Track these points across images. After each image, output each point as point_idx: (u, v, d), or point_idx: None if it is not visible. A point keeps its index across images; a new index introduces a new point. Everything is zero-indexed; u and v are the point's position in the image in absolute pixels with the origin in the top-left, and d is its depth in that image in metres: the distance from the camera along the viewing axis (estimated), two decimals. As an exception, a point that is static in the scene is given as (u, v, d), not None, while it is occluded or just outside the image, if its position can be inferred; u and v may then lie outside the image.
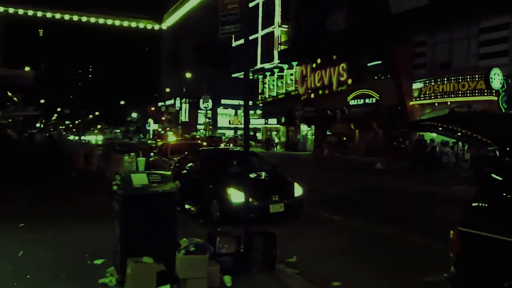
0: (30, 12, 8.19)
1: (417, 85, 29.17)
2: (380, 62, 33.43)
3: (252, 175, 10.45)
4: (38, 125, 76.47)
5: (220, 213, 9.68)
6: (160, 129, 77.60)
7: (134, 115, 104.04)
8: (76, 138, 63.44)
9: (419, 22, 27.92)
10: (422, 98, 28.65)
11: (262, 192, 9.83)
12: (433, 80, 27.88)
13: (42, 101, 76.43)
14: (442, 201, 13.59)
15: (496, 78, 23.08)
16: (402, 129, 29.42)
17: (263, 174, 11.04)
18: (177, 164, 13.28)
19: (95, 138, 65.34)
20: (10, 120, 47.98)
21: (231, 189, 9.55)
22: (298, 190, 10.48)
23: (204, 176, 10.91)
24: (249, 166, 10.97)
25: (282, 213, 9.76)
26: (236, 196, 9.29)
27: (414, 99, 29.30)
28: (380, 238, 8.79)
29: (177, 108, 76.47)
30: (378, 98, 32.95)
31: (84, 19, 8.75)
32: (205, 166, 11.41)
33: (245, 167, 10.28)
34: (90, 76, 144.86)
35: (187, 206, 11.20)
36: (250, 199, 9.14)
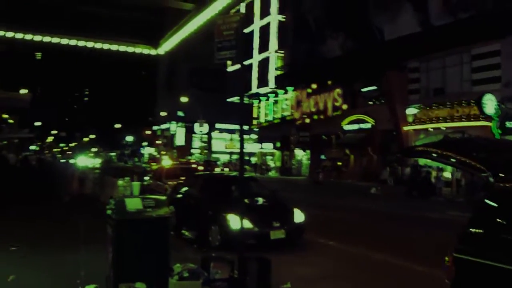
0: (28, 36, 8.25)
1: (411, 111, 29.40)
2: (374, 87, 33.74)
3: (252, 201, 10.45)
4: (33, 147, 76.22)
5: (220, 239, 9.51)
6: (155, 153, 77.46)
7: (129, 138, 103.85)
8: (71, 160, 63.06)
9: (412, 48, 28.35)
10: (416, 124, 28.85)
11: (263, 218, 9.77)
12: (427, 106, 28.13)
13: (37, 123, 76.35)
14: (437, 227, 13.56)
15: (489, 104, 23.21)
16: (397, 154, 29.57)
17: (263, 199, 10.91)
18: (174, 189, 13.10)
19: (91, 161, 64.77)
20: (5, 142, 47.86)
21: (231, 215, 9.34)
22: (299, 216, 10.34)
23: (202, 201, 10.77)
24: (249, 191, 11.08)
25: (283, 240, 9.64)
26: (236, 222, 8.90)
27: (408, 125, 29.49)
28: (376, 264, 8.73)
29: (172, 132, 76.48)
30: (373, 123, 33.14)
31: (81, 43, 8.81)
32: (203, 191, 11.21)
33: (245, 192, 10.17)
34: (86, 99, 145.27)
35: (183, 232, 11.07)
36: (251, 225, 9.27)
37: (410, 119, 29.23)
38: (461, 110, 25.85)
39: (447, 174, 24.72)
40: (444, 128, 26.62)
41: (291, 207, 10.63)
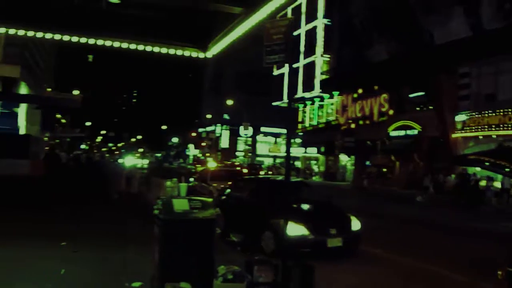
0: (83, 40, 8.61)
1: (460, 117, 28.53)
2: (422, 93, 32.99)
3: (308, 207, 10.09)
4: (82, 146, 78.78)
5: (274, 245, 9.06)
6: (200, 155, 78.48)
7: (175, 140, 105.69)
8: (119, 160, 65.06)
9: (463, 53, 27.49)
10: (466, 131, 27.96)
11: (319, 225, 9.35)
12: (477, 113, 27.22)
13: (87, 123, 78.90)
14: (487, 237, 13.11)
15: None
16: (449, 161, 28.75)
17: (319, 206, 10.51)
18: (221, 191, 12.99)
19: (137, 162, 66.54)
20: (57, 140, 49.78)
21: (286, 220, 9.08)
22: (355, 224, 9.95)
23: (254, 206, 10.42)
24: (303, 196, 10.78)
25: (340, 248, 9.25)
26: (292, 228, 8.48)
27: (457, 132, 28.63)
28: (424, 276, 8.51)
29: (217, 135, 77.31)
30: (420, 130, 32.39)
31: (132, 46, 9.13)
32: (255, 195, 10.82)
33: (299, 197, 10.08)
34: (134, 100, 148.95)
35: (231, 236, 10.94)
36: (307, 232, 9.04)
37: (459, 126, 28.39)
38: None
39: (497, 184, 23.87)
40: (495, 136, 25.67)
41: (348, 214, 10.24)
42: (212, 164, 24.60)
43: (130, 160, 51.69)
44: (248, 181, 12.61)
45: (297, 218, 8.57)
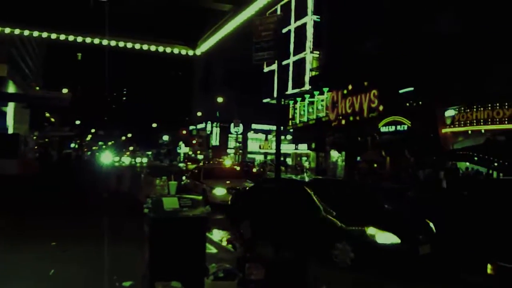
0: (71, 38, 8.51)
1: (449, 112, 28.71)
2: (412, 88, 33.12)
3: (382, 210, 9.21)
4: (72, 145, 78.41)
5: (353, 257, 7.88)
6: (191, 152, 78.42)
7: (165, 138, 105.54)
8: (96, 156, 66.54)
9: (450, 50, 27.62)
10: (455, 126, 28.19)
11: (408, 231, 8.20)
12: (466, 107, 27.43)
13: (77, 122, 78.47)
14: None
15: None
16: (434, 157, 28.94)
17: (392, 209, 9.52)
18: (236, 196, 11.90)
19: (113, 158, 68.13)
20: (47, 139, 49.43)
21: (371, 228, 7.90)
22: (433, 227, 8.90)
23: (314, 212, 8.84)
24: (368, 199, 9.90)
25: (430, 255, 8.14)
26: (382, 236, 7.73)
27: (446, 127, 28.83)
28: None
29: (208, 132, 77.26)
30: (409, 125, 32.55)
31: (121, 44, 9.07)
32: (306, 200, 9.15)
33: (364, 200, 9.26)
34: (124, 98, 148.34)
35: (260, 247, 9.21)
36: (398, 240, 7.78)
37: (448, 121, 28.57)
38: (502, 112, 25.09)
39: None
40: (483, 131, 25.91)
41: (424, 217, 9.09)
42: (228, 162, 24.35)
43: (107, 157, 51.83)
44: (287, 183, 10.60)
45: (382, 225, 7.82)
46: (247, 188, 12.01)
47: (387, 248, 7.60)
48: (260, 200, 10.14)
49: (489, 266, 3.47)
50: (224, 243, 10.26)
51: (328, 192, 9.59)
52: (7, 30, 9.15)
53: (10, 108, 33.05)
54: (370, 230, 7.86)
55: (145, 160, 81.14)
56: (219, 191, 16.17)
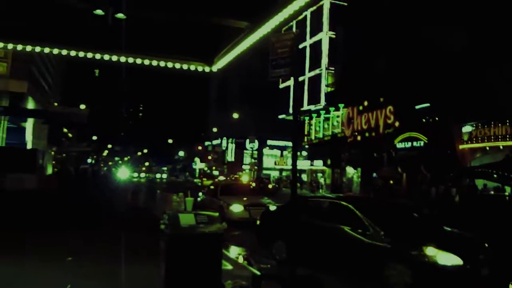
0: (89, 55, 8.66)
1: (467, 128, 28.46)
2: (428, 104, 32.92)
3: (438, 229, 8.75)
4: (89, 160, 79.20)
5: (410, 282, 7.34)
6: (206, 168, 78.60)
7: (181, 153, 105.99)
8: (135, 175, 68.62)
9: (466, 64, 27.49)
10: (472, 142, 27.90)
11: (468, 251, 7.66)
12: (484, 124, 27.16)
13: (94, 137, 79.31)
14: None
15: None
16: (451, 173, 28.61)
17: (443, 227, 9.00)
18: (264, 217, 11.33)
19: (131, 174, 69.99)
20: (64, 155, 50.01)
21: (431, 248, 7.38)
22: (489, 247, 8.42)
23: (360, 231, 8.39)
24: (413, 217, 9.52)
25: (488, 276, 7.68)
26: (443, 257, 7.24)
27: (464, 143, 28.54)
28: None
29: (223, 148, 77.47)
30: (426, 141, 32.28)
31: (138, 61, 9.18)
32: (353, 218, 8.71)
33: (411, 219, 8.95)
34: (140, 114, 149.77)
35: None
36: (460, 262, 7.28)
37: (465, 137, 28.31)
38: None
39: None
40: (501, 147, 25.60)
41: (479, 235, 8.64)
42: (245, 178, 24.29)
43: (124, 173, 52.37)
44: (328, 201, 10.32)
45: (441, 245, 7.33)
46: (280, 206, 11.42)
47: (449, 270, 7.14)
48: (297, 220, 9.30)
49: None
50: (241, 260, 10.21)
51: (371, 210, 9.09)
52: (28, 48, 9.34)
53: (29, 124, 33.52)
54: (430, 251, 7.35)
55: (165, 176, 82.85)
56: (236, 208, 16.08)
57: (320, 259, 8.91)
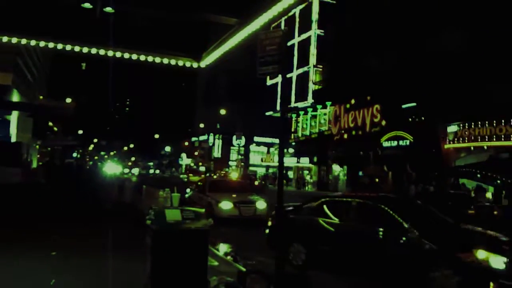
0: (77, 48, 8.56)
1: (452, 128, 28.77)
2: (415, 104, 33.20)
3: (478, 231, 8.30)
4: (74, 154, 78.54)
5: (461, 285, 6.97)
6: (192, 164, 78.48)
7: (167, 149, 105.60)
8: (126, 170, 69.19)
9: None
10: (457, 142, 28.20)
11: (508, 251, 7.24)
12: (469, 124, 27.47)
13: (80, 131, 78.64)
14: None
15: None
16: (436, 172, 28.91)
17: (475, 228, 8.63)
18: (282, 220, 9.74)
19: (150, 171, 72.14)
20: (49, 148, 49.54)
21: (481, 251, 7.02)
22: None
23: (396, 234, 7.92)
24: (441, 218, 8.88)
25: None
26: (496, 260, 6.90)
27: (449, 142, 28.84)
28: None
29: (210, 144, 77.34)
30: (412, 140, 32.56)
31: (126, 55, 9.11)
32: (387, 219, 8.22)
33: (441, 220, 8.51)
34: (127, 109, 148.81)
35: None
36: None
37: (450, 137, 28.62)
38: (505, 129, 25.12)
39: (488, 195, 23.99)
40: (485, 147, 25.91)
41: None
42: (234, 174, 24.14)
43: (111, 167, 52.12)
44: (364, 205, 9.16)
45: (491, 247, 7.06)
46: (297, 206, 10.49)
47: (500, 274, 6.84)
48: (318, 222, 9.16)
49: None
50: (227, 257, 10.22)
51: (407, 211, 8.60)
52: (14, 40, 9.24)
53: (13, 117, 33.16)
54: (481, 254, 6.96)
55: (158, 171, 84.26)
56: (226, 205, 15.77)
57: (351, 264, 8.48)
